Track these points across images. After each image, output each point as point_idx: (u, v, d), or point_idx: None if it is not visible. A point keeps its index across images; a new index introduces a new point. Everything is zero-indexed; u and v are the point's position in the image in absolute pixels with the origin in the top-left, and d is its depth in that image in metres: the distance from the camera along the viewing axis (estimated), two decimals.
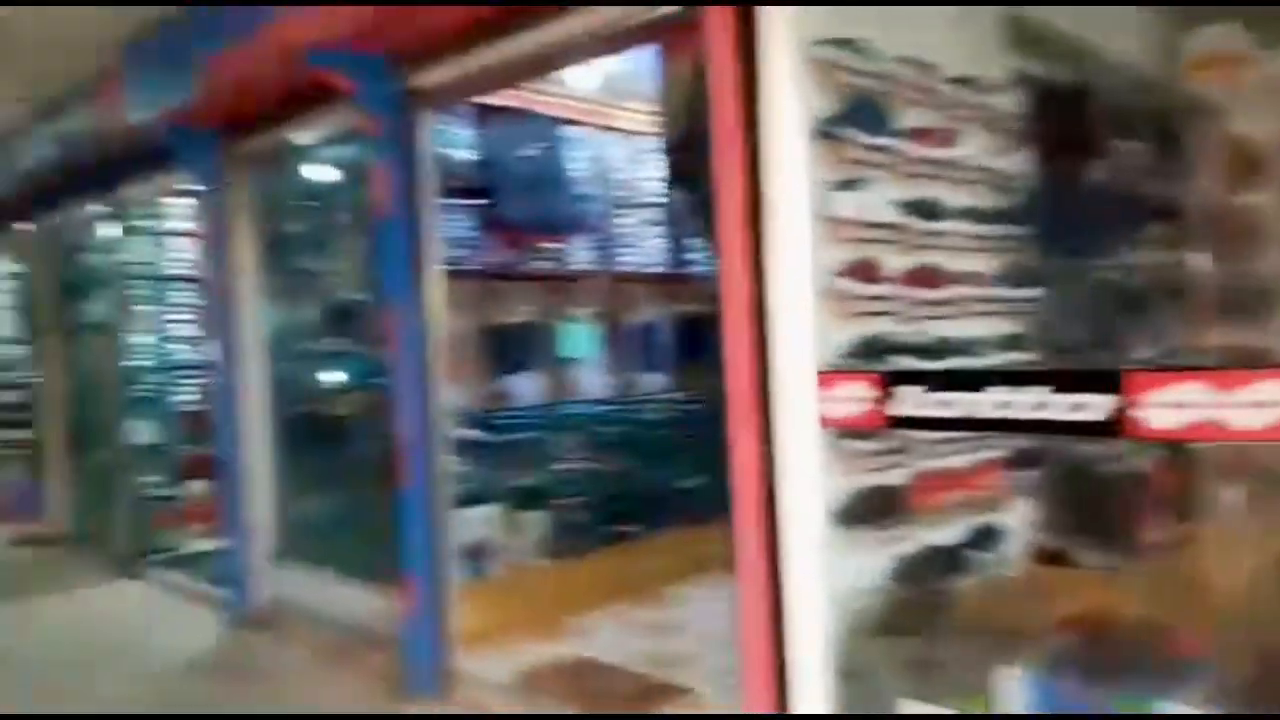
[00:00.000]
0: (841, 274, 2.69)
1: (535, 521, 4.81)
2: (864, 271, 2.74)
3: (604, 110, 5.86)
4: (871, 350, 2.73)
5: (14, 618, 5.64)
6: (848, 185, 2.69)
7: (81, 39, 4.96)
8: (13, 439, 9.12)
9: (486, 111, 4.99)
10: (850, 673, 2.60)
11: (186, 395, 7.52)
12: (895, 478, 2.79)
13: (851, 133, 2.69)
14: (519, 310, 5.33)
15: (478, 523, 4.55)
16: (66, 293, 7.86)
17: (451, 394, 4.21)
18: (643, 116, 5.84)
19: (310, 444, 5.13)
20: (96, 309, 7.37)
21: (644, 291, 7.17)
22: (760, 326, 2.68)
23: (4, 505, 8.82)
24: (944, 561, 2.88)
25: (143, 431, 7.03)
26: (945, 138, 2.98)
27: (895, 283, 2.84)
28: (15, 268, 9.00)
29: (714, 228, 2.77)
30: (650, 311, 7.20)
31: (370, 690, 4.13)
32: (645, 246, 6.73)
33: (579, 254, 6.44)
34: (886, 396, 2.45)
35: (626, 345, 7.11)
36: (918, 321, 2.88)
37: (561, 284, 6.10)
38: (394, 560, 4.20)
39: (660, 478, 5.47)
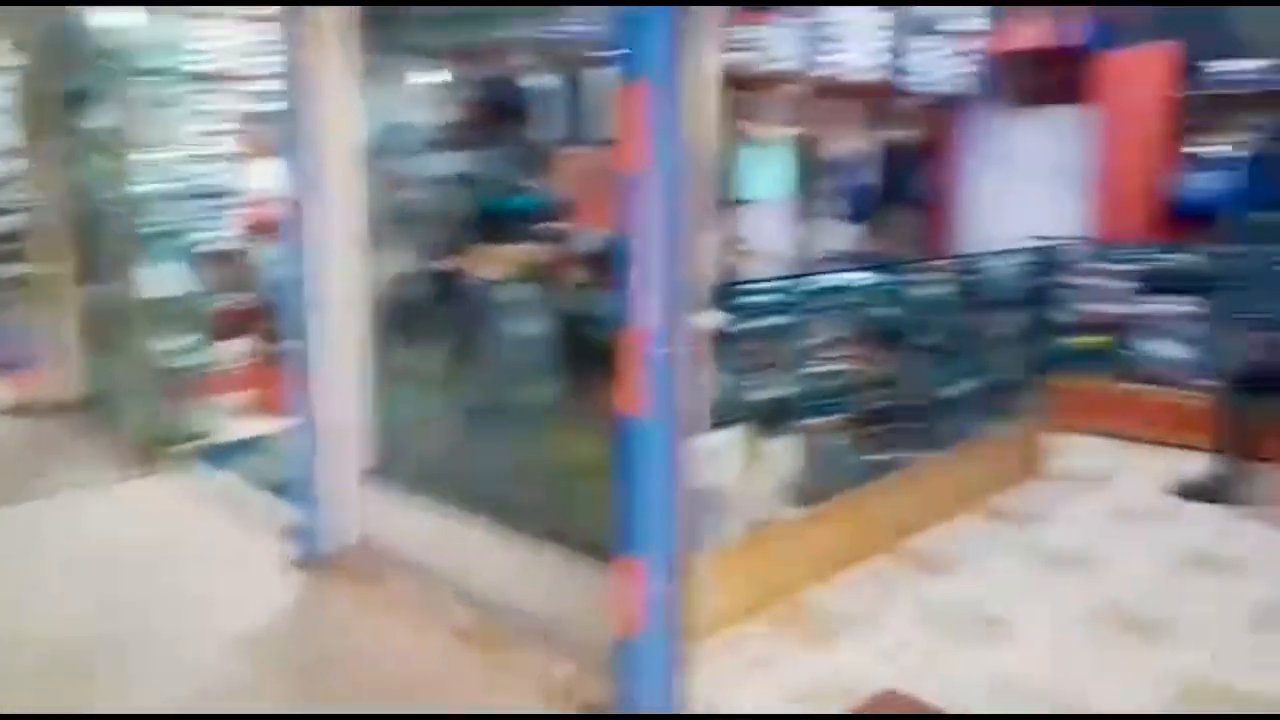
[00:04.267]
0: None
1: (782, 452, 3.13)
2: None
3: None
4: None
5: None
6: None
7: None
8: (4, 276, 7.38)
9: None
10: None
11: (216, 231, 5.77)
12: None
13: None
14: None
15: (709, 459, 2.87)
16: (69, 93, 5.91)
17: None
18: None
19: (434, 319, 3.39)
20: (104, 113, 5.48)
21: (853, 110, 5.37)
22: None
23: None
24: None
25: (161, 278, 5.29)
26: None
27: None
28: (13, 60, 7.01)
29: None
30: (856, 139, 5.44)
31: None
32: (864, 40, 4.90)
33: (780, 47, 4.61)
34: None
35: (827, 185, 5.41)
36: None
37: (745, 90, 4.36)
38: (565, 507, 2.57)
39: (923, 382, 3.75)
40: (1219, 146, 5.38)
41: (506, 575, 2.98)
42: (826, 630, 2.97)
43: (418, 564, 3.28)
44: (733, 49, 4.36)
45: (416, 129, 3.44)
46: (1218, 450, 4.15)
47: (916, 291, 3.62)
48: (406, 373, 3.43)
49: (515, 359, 3.10)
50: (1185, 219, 5.60)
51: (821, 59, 4.72)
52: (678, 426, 2.34)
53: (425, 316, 3.47)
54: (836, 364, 3.28)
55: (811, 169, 5.20)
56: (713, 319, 2.71)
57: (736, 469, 2.96)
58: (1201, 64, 5.36)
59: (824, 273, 3.38)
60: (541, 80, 3.06)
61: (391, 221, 3.38)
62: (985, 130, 6.25)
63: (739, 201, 4.84)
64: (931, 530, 3.78)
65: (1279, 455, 4.16)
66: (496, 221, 3.26)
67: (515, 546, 2.96)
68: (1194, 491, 4.15)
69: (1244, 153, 5.23)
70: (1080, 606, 3.16)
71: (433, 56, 3.47)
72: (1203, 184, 5.43)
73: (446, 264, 3.31)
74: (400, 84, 3.49)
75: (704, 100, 2.24)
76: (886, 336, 3.49)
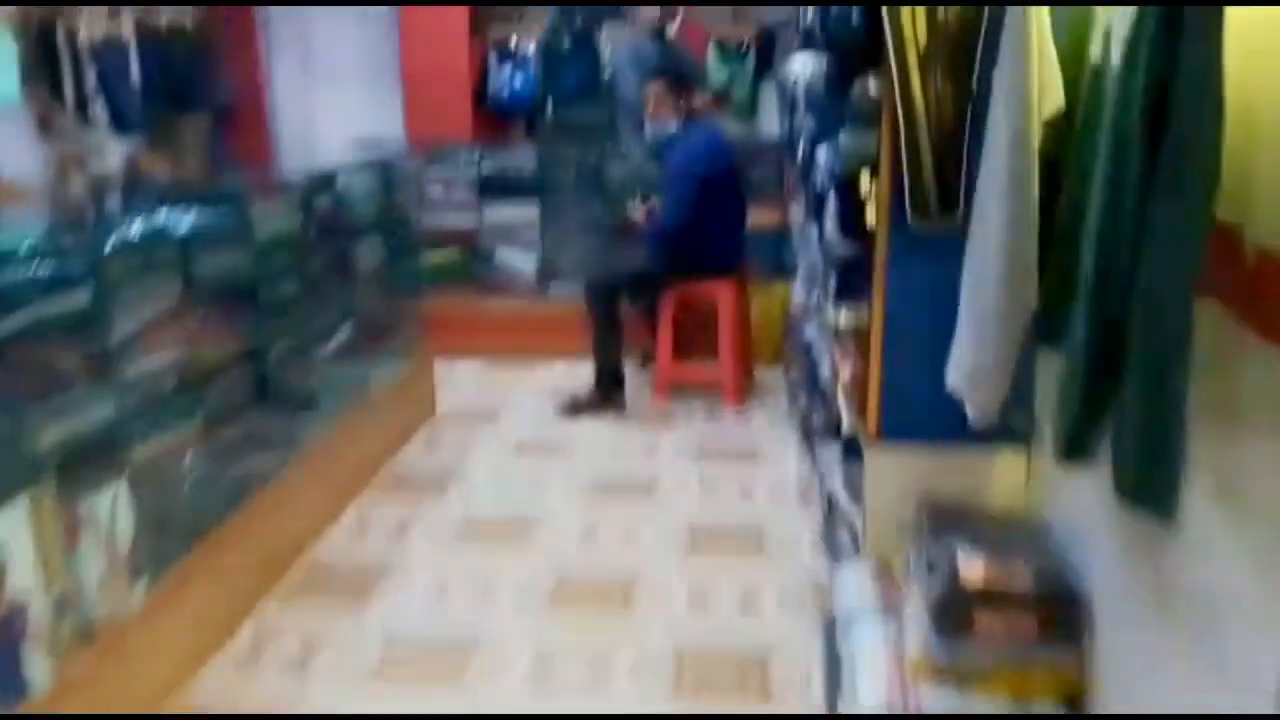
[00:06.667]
0: None
1: (112, 507, 1.97)
2: None
3: None
4: None
5: None
6: None
7: None
8: None
9: None
10: None
11: None
12: None
13: None
14: None
15: None
16: None
17: None
18: None
19: None
20: None
21: None
22: None
23: None
24: None
25: None
26: None
27: None
28: None
29: None
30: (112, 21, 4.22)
31: None
32: None
33: None
34: None
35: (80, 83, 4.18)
36: None
37: None
38: None
39: (290, 343, 2.81)
40: (519, 40, 5.23)
41: None
42: None
43: None
44: None
45: None
46: (594, 357, 4.02)
47: (259, 227, 2.63)
48: None
49: None
50: (500, 117, 5.40)
51: None
52: None
53: None
54: (169, 351, 2.19)
55: (51, 61, 3.76)
56: None
57: (38, 565, 1.76)
58: None
59: (127, 217, 2.20)
60: None
61: None
62: (284, 22, 5.27)
63: None
64: (337, 526, 2.98)
65: (649, 352, 4.23)
66: None
67: None
68: (579, 407, 3.99)
69: (537, 47, 5.16)
70: (526, 579, 2.70)
71: None
72: (509, 80, 5.26)
73: None
74: None
75: None
76: (232, 294, 2.47)
